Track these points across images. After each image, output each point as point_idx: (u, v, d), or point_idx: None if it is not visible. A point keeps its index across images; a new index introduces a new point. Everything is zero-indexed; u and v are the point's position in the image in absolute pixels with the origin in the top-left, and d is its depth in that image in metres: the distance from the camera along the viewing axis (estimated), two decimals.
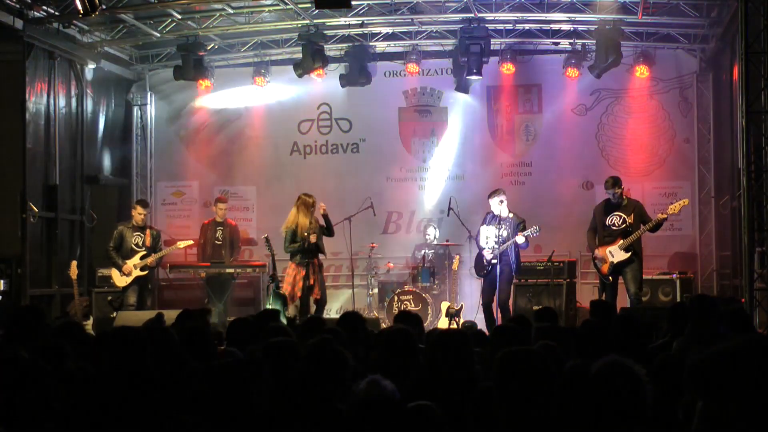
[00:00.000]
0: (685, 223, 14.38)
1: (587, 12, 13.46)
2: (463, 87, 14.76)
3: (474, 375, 4.58)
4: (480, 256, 11.55)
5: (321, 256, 11.68)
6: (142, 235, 12.31)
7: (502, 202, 11.33)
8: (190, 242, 12.98)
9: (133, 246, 12.22)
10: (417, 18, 14.12)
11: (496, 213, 11.37)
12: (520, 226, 11.27)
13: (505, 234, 11.25)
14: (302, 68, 14.34)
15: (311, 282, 11.41)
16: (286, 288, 11.39)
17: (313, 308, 11.50)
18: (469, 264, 12.71)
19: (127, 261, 12.13)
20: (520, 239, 11.17)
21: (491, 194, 11.50)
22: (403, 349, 4.81)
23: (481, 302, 11.55)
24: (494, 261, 11.27)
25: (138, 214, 12.33)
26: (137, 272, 12.13)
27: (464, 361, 4.56)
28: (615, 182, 11.23)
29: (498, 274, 11.16)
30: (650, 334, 7.73)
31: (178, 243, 12.79)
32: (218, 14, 13.91)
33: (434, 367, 4.55)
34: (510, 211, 11.39)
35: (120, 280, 12.18)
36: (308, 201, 11.52)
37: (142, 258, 12.16)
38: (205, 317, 7.05)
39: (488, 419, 3.61)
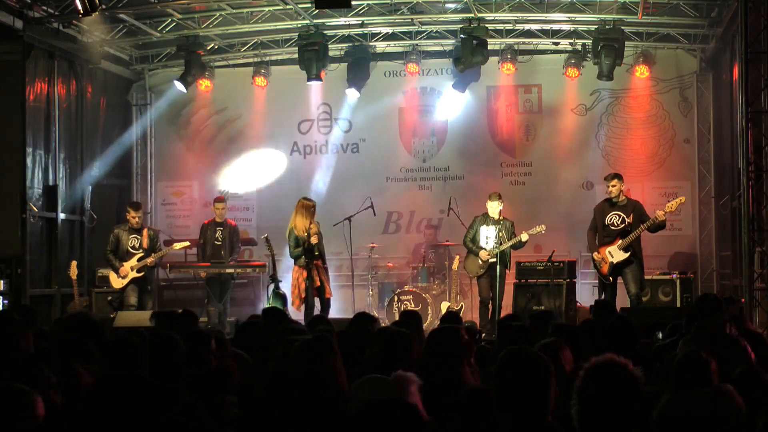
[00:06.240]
0: (685, 223, 14.39)
1: (587, 12, 13.47)
2: (460, 86, 14.70)
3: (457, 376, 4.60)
4: (473, 257, 11.79)
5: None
6: (139, 237, 12.30)
7: (501, 204, 11.76)
8: (186, 244, 12.96)
9: (129, 248, 12.22)
10: (417, 18, 14.12)
11: (491, 215, 11.76)
12: (512, 228, 11.78)
13: (501, 235, 11.64)
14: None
15: (317, 283, 11.39)
16: (292, 291, 11.42)
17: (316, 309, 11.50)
18: None
19: (124, 263, 12.14)
20: (525, 237, 11.62)
21: (494, 197, 11.80)
22: (400, 349, 4.81)
23: (480, 298, 11.83)
24: (492, 260, 11.53)
25: (132, 217, 12.33)
26: (133, 274, 12.13)
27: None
28: (615, 175, 11.40)
29: (498, 273, 11.49)
30: (650, 334, 7.74)
31: (174, 245, 12.78)
32: (218, 14, 13.91)
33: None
34: (500, 215, 11.77)
35: (116, 282, 12.21)
36: (307, 204, 11.53)
37: (139, 260, 12.16)
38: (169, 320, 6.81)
39: (475, 420, 3.61)
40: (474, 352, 4.84)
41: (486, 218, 11.83)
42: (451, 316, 7.48)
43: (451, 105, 15.12)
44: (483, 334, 10.23)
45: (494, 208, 11.75)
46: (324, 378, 3.98)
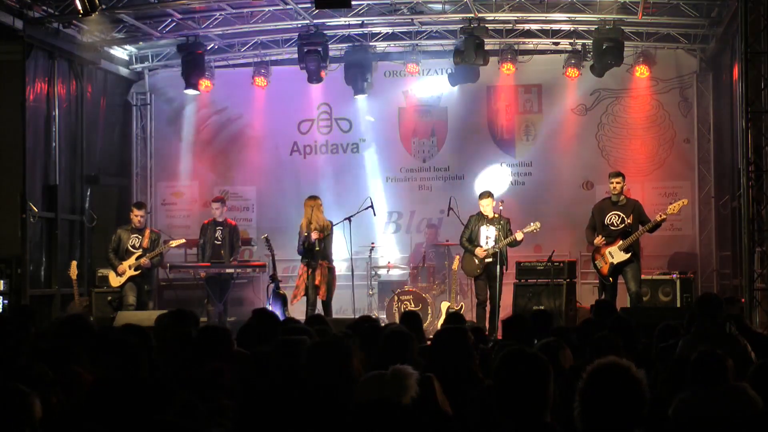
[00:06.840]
0: (685, 223, 14.38)
1: (587, 12, 13.46)
2: (453, 80, 14.68)
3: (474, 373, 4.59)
4: (470, 257, 11.73)
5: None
6: (140, 236, 12.32)
7: (494, 202, 11.70)
8: (182, 241, 12.98)
9: (129, 247, 12.25)
10: (417, 18, 14.13)
11: (485, 213, 11.71)
12: (507, 225, 11.73)
13: (498, 234, 11.60)
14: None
15: (316, 282, 11.44)
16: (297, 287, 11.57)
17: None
18: None
19: (123, 262, 12.16)
20: (519, 236, 11.56)
21: (485, 195, 11.74)
22: (401, 349, 4.82)
23: (477, 300, 11.75)
24: (489, 260, 11.49)
25: (135, 216, 12.37)
26: (130, 272, 12.15)
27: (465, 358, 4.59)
28: (618, 173, 11.47)
29: (497, 273, 11.46)
30: (650, 334, 7.71)
31: (170, 242, 12.80)
32: (218, 14, 13.91)
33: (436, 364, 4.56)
34: (494, 213, 11.71)
35: (114, 281, 12.28)
36: (308, 202, 11.67)
37: (137, 259, 12.19)
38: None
39: (490, 418, 3.60)
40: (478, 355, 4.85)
41: (482, 218, 11.79)
42: (454, 317, 7.45)
43: (451, 105, 15.11)
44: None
45: (487, 205, 11.71)
46: (339, 381, 3.97)
